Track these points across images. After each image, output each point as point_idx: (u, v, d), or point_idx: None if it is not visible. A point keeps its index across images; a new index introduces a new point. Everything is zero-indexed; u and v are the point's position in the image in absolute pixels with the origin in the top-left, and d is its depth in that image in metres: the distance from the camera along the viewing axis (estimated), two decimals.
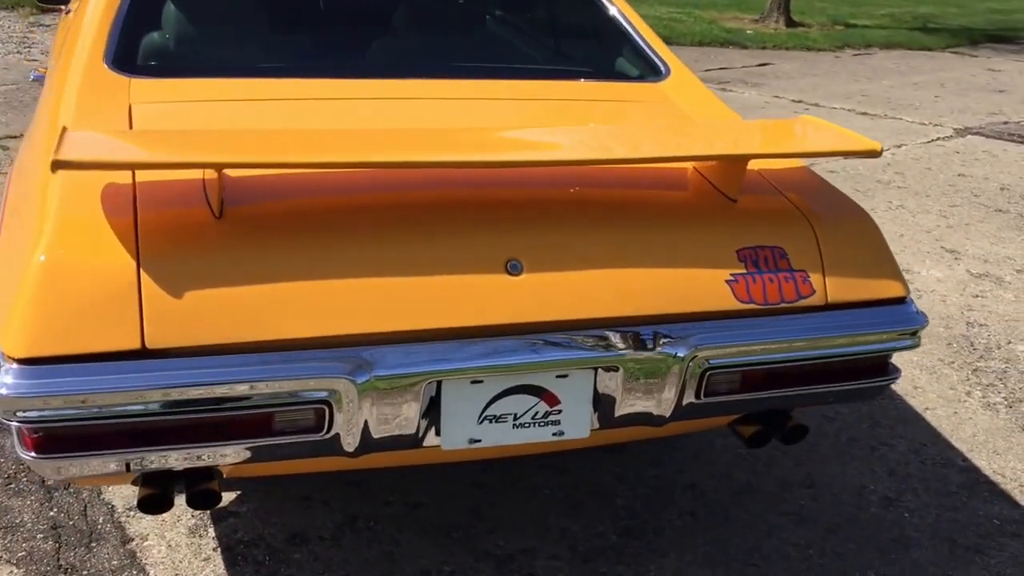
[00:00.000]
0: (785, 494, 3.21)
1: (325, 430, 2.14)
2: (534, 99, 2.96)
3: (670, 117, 2.94)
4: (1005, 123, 8.74)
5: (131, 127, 2.50)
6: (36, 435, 2.02)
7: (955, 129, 8.47)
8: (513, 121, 2.81)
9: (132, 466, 2.10)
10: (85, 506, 2.89)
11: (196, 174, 2.22)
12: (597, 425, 2.35)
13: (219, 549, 2.75)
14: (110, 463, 2.08)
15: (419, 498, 3.02)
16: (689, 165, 2.57)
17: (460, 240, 2.22)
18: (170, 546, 2.76)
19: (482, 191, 2.33)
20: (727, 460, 3.36)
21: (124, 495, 2.95)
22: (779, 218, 2.44)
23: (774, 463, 3.37)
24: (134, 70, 2.75)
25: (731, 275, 2.33)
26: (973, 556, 2.98)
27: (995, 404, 3.88)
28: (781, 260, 2.37)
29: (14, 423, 2.00)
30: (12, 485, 2.97)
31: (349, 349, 2.11)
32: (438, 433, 2.25)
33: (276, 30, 3.22)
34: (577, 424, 2.32)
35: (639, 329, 2.27)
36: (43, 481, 2.98)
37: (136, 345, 2.00)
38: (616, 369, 2.25)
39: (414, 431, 2.20)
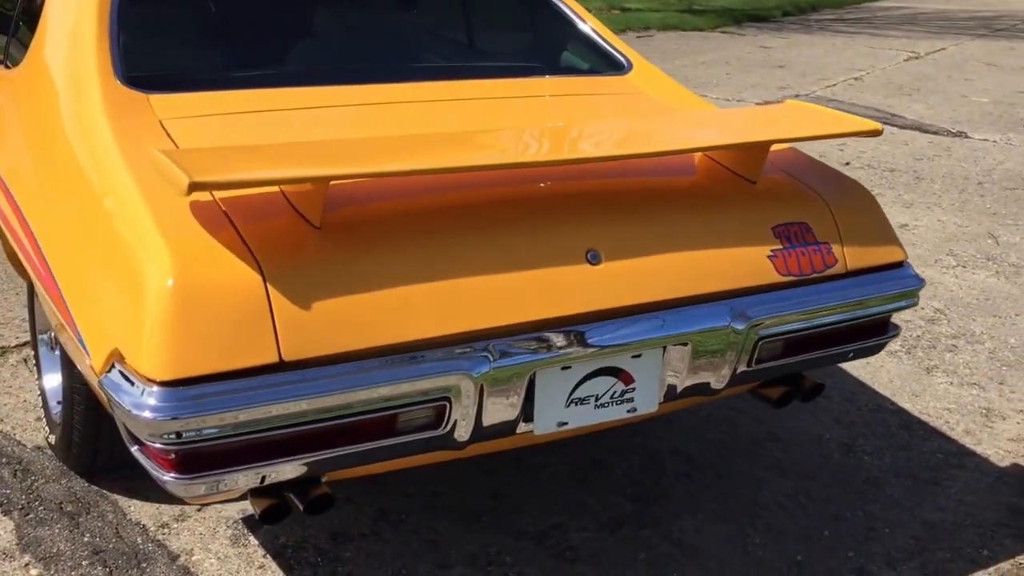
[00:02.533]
0: (758, 450, 3.47)
1: (443, 426, 2.24)
2: (531, 96, 3.10)
3: (653, 108, 3.14)
4: (796, 95, 9.37)
5: (176, 145, 2.50)
6: (178, 456, 2.04)
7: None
8: (520, 119, 2.94)
9: (268, 479, 2.14)
10: (116, 528, 2.86)
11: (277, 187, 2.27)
12: (662, 399, 2.52)
13: (269, 556, 2.79)
14: (248, 477, 2.12)
15: (436, 487, 3.12)
16: (698, 153, 2.76)
17: (546, 235, 2.36)
18: (219, 558, 2.77)
19: (558, 187, 2.47)
20: (695, 423, 3.60)
21: (150, 512, 2.93)
22: (796, 196, 2.68)
23: (736, 423, 3.63)
24: (147, 86, 2.73)
25: (771, 251, 2.55)
26: (935, 488, 3.32)
27: (896, 352, 4.26)
28: (807, 234, 2.60)
29: (157, 444, 2.01)
30: (31, 515, 2.90)
31: (464, 345, 2.21)
32: (529, 419, 2.37)
33: (273, 39, 3.23)
34: (648, 400, 2.49)
35: (704, 306, 2.46)
36: (60, 506, 2.93)
37: (274, 359, 2.05)
38: (685, 345, 2.43)
39: (515, 418, 2.33)
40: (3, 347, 3.86)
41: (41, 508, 2.92)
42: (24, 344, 3.88)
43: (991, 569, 2.95)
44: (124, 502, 2.98)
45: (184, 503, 2.84)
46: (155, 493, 2.98)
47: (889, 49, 11.92)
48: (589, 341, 2.34)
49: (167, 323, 2.01)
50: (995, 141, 8.03)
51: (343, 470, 2.26)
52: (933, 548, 3.01)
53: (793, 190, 2.69)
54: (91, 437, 2.85)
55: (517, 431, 2.38)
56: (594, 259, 2.37)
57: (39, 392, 3.25)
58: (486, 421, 2.30)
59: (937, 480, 3.36)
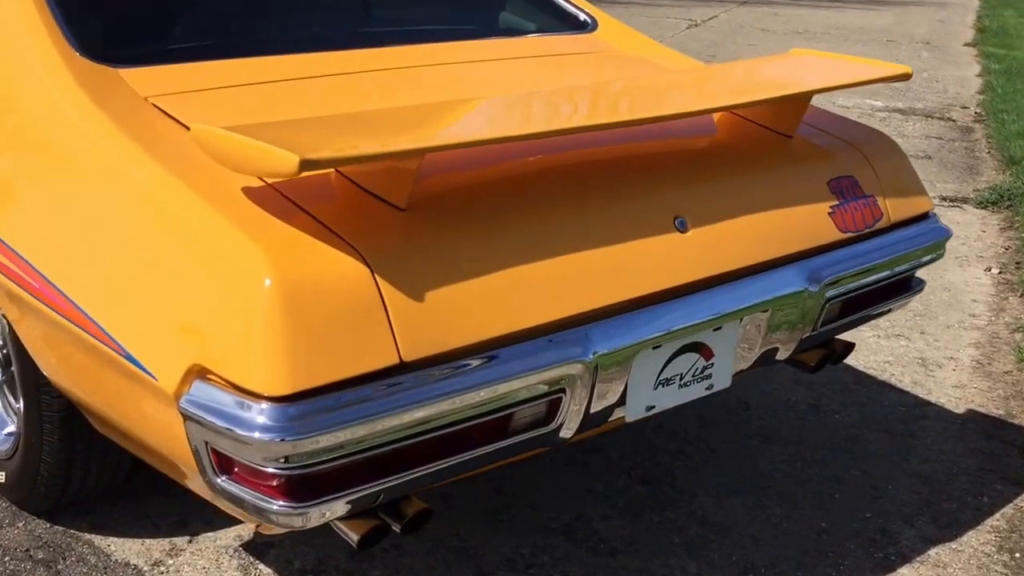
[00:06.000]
0: (736, 419, 3.39)
1: (553, 420, 2.03)
2: (517, 58, 2.87)
3: (645, 66, 2.97)
4: None
5: (186, 127, 2.16)
6: (293, 480, 1.75)
7: None
8: (519, 80, 2.72)
9: (382, 498, 1.88)
10: (104, 572, 2.49)
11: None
12: (735, 373, 2.38)
13: None
14: (366, 498, 1.85)
15: (443, 490, 2.88)
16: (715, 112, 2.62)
17: (636, 201, 2.17)
18: None
19: (637, 149, 2.28)
20: None
21: (136, 550, 2.57)
22: (835, 149, 2.58)
23: None
24: (112, 59, 2.35)
25: (830, 207, 2.44)
26: (912, 440, 3.33)
27: None
28: (856, 188, 2.51)
29: (268, 469, 1.72)
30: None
31: (572, 331, 2.01)
32: (622, 404, 2.18)
33: (235, 3, 2.86)
34: (723, 375, 2.35)
35: (779, 271, 2.33)
36: (29, 554, 2.52)
37: (394, 360, 1.79)
38: (764, 312, 2.30)
39: (613, 405, 2.14)
40: None
41: (7, 559, 2.51)
42: None
43: (997, 515, 2.97)
44: (100, 541, 2.59)
45: (168, 535, 2.54)
46: (131, 528, 2.64)
47: (667, 18, 12.15)
48: (684, 316, 2.17)
49: (275, 329, 1.71)
50: None
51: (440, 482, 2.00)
52: (937, 500, 3.01)
53: (830, 143, 2.59)
54: (63, 469, 2.45)
55: (611, 419, 2.18)
56: (682, 226, 2.20)
57: None
58: (592, 411, 2.08)
59: (911, 432, 3.37)
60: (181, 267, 1.87)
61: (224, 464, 1.81)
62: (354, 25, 2.99)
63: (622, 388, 2.12)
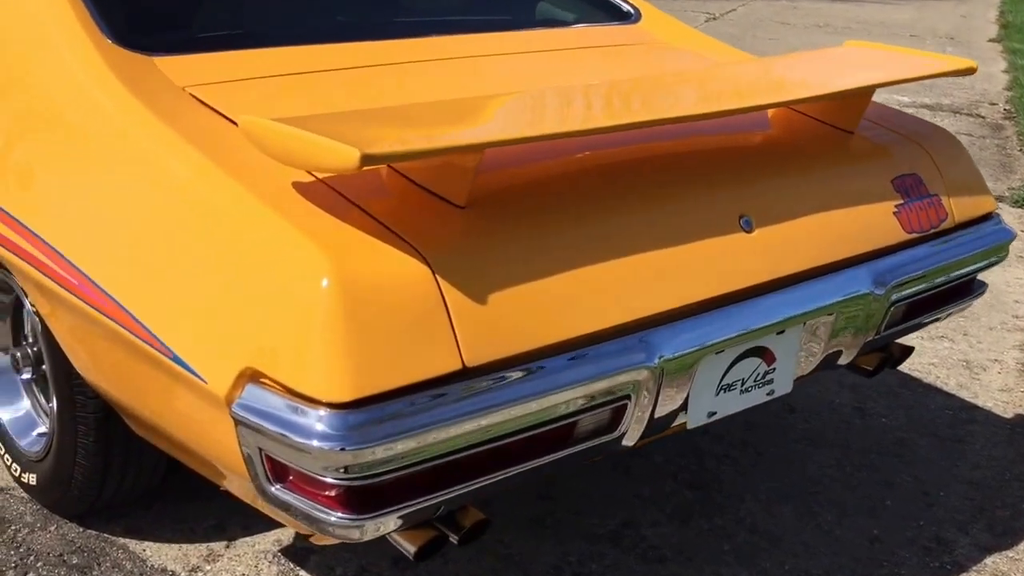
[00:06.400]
0: (781, 422, 3.30)
1: (617, 427, 1.94)
2: (562, 49, 2.78)
3: (683, 56, 2.88)
4: None
5: (229, 119, 2.07)
6: (353, 491, 1.67)
7: None
8: (569, 72, 2.63)
9: (442, 509, 1.79)
10: None
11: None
12: (796, 378, 2.30)
13: None
14: (427, 509, 1.76)
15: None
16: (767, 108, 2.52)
17: (701, 199, 2.09)
18: None
19: (700, 143, 2.19)
20: None
21: (173, 555, 2.49)
22: (897, 146, 2.49)
23: None
24: (144, 47, 2.26)
25: (895, 207, 2.35)
26: (960, 446, 3.24)
27: None
28: (920, 186, 2.42)
29: (328, 479, 1.63)
30: (30, 575, 2.40)
31: (637, 335, 1.92)
32: (684, 411, 2.10)
33: None
34: (785, 380, 2.27)
35: (844, 273, 2.25)
36: (62, 559, 2.44)
37: (457, 366, 1.71)
38: (829, 316, 2.21)
39: (675, 412, 2.05)
40: None
41: (40, 564, 2.43)
42: None
43: None
44: (136, 546, 2.51)
45: (211, 540, 2.49)
46: (167, 532, 2.55)
47: (685, 11, 12.01)
48: (750, 320, 2.09)
49: (335, 332, 1.63)
50: None
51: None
52: (991, 507, 2.93)
53: (892, 139, 2.50)
54: (98, 472, 2.37)
55: (672, 425, 2.09)
56: (747, 226, 2.11)
57: None
58: (655, 418, 1.99)
59: (959, 437, 3.29)
60: (230, 265, 1.78)
61: (278, 472, 1.73)
62: (389, 15, 2.90)
63: (685, 394, 2.03)
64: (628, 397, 1.91)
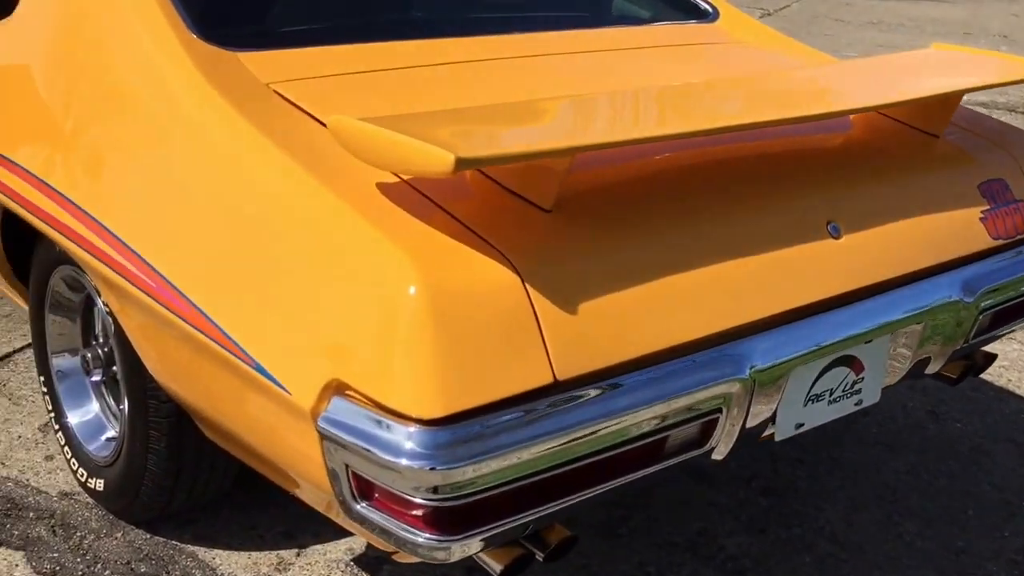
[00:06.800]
0: (854, 426, 3.23)
1: (708, 441, 1.87)
2: (642, 47, 2.71)
3: (766, 57, 2.80)
4: None
5: (315, 117, 2.02)
6: (443, 511, 1.61)
7: None
8: (650, 71, 2.57)
9: (531, 528, 1.73)
10: None
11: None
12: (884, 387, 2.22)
13: None
14: (516, 528, 1.71)
15: None
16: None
17: (788, 205, 2.02)
18: None
19: (785, 147, 2.12)
20: None
21: (243, 563, 2.45)
22: (982, 150, 2.41)
23: None
24: (229, 42, 2.21)
25: (981, 212, 2.28)
26: None
27: None
28: (1007, 192, 2.34)
29: (417, 499, 1.58)
30: None
31: (728, 346, 1.85)
32: (772, 423, 2.03)
33: None
34: (872, 390, 2.19)
35: (933, 280, 2.17)
36: (130, 567, 2.40)
37: (548, 379, 1.64)
38: (919, 324, 2.13)
39: (764, 424, 1.98)
40: None
41: (108, 572, 2.40)
42: None
43: None
44: (205, 553, 2.47)
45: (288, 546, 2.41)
46: (236, 539, 2.52)
47: (739, 6, 11.92)
48: (841, 328, 2.01)
49: (424, 344, 1.57)
50: None
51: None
52: None
53: (977, 144, 2.42)
54: (169, 478, 2.33)
55: (760, 438, 2.03)
56: (835, 232, 2.04)
57: (56, 428, 2.67)
58: (745, 431, 1.93)
59: None
60: (315, 270, 1.73)
61: (364, 488, 1.68)
62: (466, 11, 2.84)
63: (775, 406, 1.96)
64: (720, 410, 1.84)
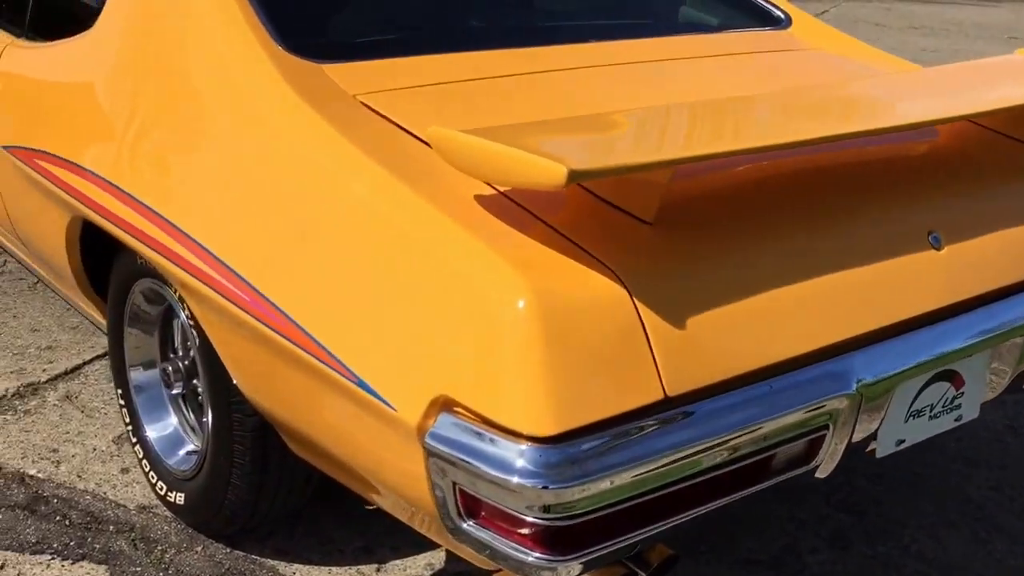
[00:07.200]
0: (933, 440, 3.13)
1: (814, 459, 1.83)
2: (723, 55, 2.67)
3: (849, 64, 2.76)
4: None
5: (406, 129, 2.00)
6: (555, 530, 1.58)
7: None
8: (736, 80, 2.53)
9: (638, 548, 1.70)
10: None
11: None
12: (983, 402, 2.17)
13: None
14: (624, 548, 1.67)
15: None
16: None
17: (888, 215, 1.98)
18: None
19: (881, 157, 2.08)
20: None
21: None
22: None
23: None
24: (313, 53, 2.19)
25: None
26: None
27: None
28: None
29: (529, 518, 1.54)
30: None
31: (834, 360, 1.81)
32: (873, 439, 1.98)
33: None
34: (972, 405, 2.15)
35: None
36: None
37: (659, 396, 1.61)
38: (1020, 337, 2.08)
39: (866, 440, 1.94)
40: (32, 383, 3.22)
41: None
42: (57, 379, 3.25)
43: None
44: (285, 568, 2.45)
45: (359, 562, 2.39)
46: (315, 554, 2.50)
47: None
48: (945, 341, 1.97)
49: (538, 359, 1.55)
50: None
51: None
52: None
53: None
54: (253, 492, 2.31)
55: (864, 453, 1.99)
56: (936, 243, 1.99)
57: (134, 441, 2.66)
58: (850, 447, 1.89)
59: None
60: (419, 284, 1.71)
61: (471, 506, 1.65)
62: (540, 21, 2.82)
63: (879, 422, 1.92)
64: (827, 427, 1.80)
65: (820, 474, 1.89)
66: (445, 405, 1.63)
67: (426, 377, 1.65)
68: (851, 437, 1.86)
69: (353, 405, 1.77)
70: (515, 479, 1.54)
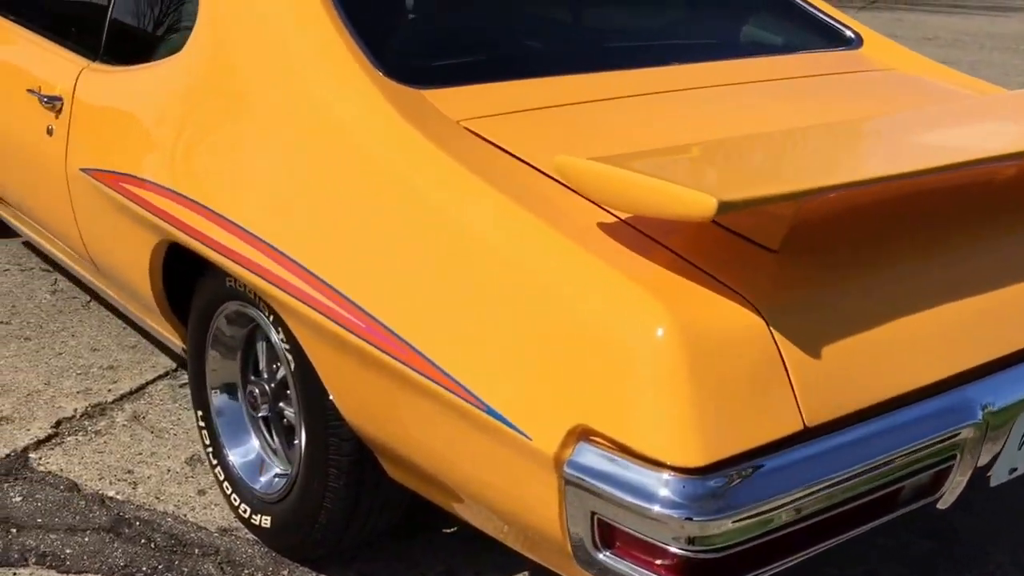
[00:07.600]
0: None
1: (940, 489, 1.82)
2: (797, 77, 2.67)
3: (932, 87, 2.75)
4: None
5: (516, 156, 1.99)
6: (697, 563, 1.56)
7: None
8: (822, 104, 2.52)
9: None
10: None
11: None
12: None
13: None
14: None
15: None
16: None
17: (1003, 243, 1.97)
18: None
19: (987, 181, 2.07)
20: None
21: None
22: None
23: None
24: (413, 79, 2.18)
25: None
26: None
27: None
28: None
29: (672, 549, 1.53)
30: None
31: (960, 389, 1.80)
32: (991, 466, 1.97)
33: (530, 22, 2.70)
34: None
35: None
36: None
37: (798, 426, 1.60)
38: None
39: (986, 467, 1.92)
40: (99, 404, 3.20)
41: None
42: (123, 399, 3.24)
43: None
44: None
45: None
46: None
47: None
48: None
49: (682, 389, 1.54)
50: None
51: None
52: None
53: None
54: (345, 515, 2.29)
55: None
56: None
57: (214, 463, 2.64)
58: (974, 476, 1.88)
59: None
60: (550, 314, 1.69)
61: (607, 536, 1.63)
62: (626, 41, 2.81)
63: (999, 450, 1.91)
64: (954, 456, 1.79)
65: (941, 505, 1.88)
66: (583, 435, 1.61)
67: (562, 406, 1.64)
68: (975, 466, 1.85)
69: (478, 433, 1.76)
70: (659, 508, 1.53)
